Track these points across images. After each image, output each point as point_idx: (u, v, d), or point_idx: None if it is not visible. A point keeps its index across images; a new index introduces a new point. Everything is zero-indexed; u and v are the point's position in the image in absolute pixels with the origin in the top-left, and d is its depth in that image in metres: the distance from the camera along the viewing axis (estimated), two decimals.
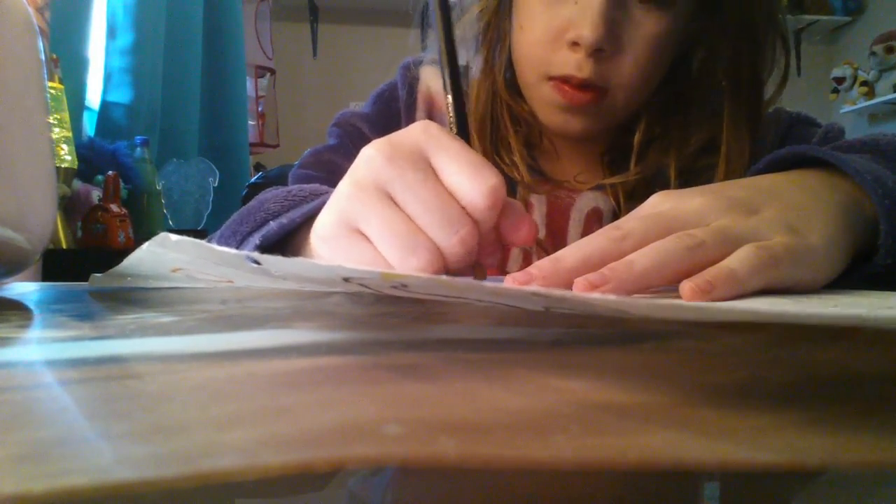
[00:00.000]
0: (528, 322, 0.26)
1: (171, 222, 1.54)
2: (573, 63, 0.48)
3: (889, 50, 2.56)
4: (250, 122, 2.08)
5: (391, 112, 0.60)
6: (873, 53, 2.61)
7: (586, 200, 0.56)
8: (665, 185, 0.53)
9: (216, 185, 1.59)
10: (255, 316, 0.26)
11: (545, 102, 0.51)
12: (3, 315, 0.26)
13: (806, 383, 0.17)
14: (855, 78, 2.69)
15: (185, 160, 1.58)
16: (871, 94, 2.65)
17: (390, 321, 0.26)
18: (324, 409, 0.13)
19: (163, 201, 1.49)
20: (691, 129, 0.54)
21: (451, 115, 0.31)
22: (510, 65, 0.55)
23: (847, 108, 2.65)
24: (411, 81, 0.59)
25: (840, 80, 2.65)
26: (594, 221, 0.56)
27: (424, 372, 0.17)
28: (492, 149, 0.55)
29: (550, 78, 0.49)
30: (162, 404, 0.14)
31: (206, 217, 1.59)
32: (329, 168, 0.56)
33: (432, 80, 0.58)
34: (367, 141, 0.29)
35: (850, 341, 0.23)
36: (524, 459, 0.11)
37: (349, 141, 0.59)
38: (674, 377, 0.17)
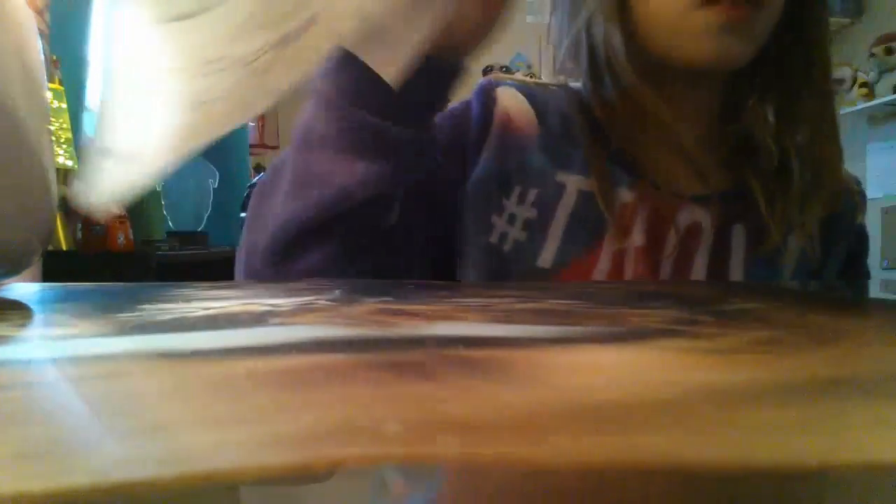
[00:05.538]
0: (527, 320, 0.26)
1: (170, 223, 1.55)
2: None
3: (889, 51, 2.56)
4: (250, 123, 2.08)
5: (461, 130, 0.57)
6: (872, 55, 2.61)
7: (686, 213, 0.55)
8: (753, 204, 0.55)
9: (216, 186, 1.60)
10: (255, 313, 0.26)
11: (700, 31, 0.50)
12: (3, 315, 0.26)
13: (806, 383, 0.17)
14: (854, 79, 2.69)
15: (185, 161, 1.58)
16: (870, 95, 2.65)
17: (390, 318, 0.26)
18: (324, 407, 0.13)
19: (163, 202, 1.50)
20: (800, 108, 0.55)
21: None
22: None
23: (846, 109, 2.65)
24: (487, 101, 0.57)
25: (840, 82, 2.66)
26: (693, 237, 0.55)
27: (424, 370, 0.17)
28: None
29: (704, 3, 0.49)
30: (162, 402, 0.14)
31: (205, 218, 1.59)
32: None
33: (510, 101, 0.57)
34: None
35: (850, 341, 0.23)
36: (524, 459, 0.11)
37: None
38: (673, 377, 0.17)
